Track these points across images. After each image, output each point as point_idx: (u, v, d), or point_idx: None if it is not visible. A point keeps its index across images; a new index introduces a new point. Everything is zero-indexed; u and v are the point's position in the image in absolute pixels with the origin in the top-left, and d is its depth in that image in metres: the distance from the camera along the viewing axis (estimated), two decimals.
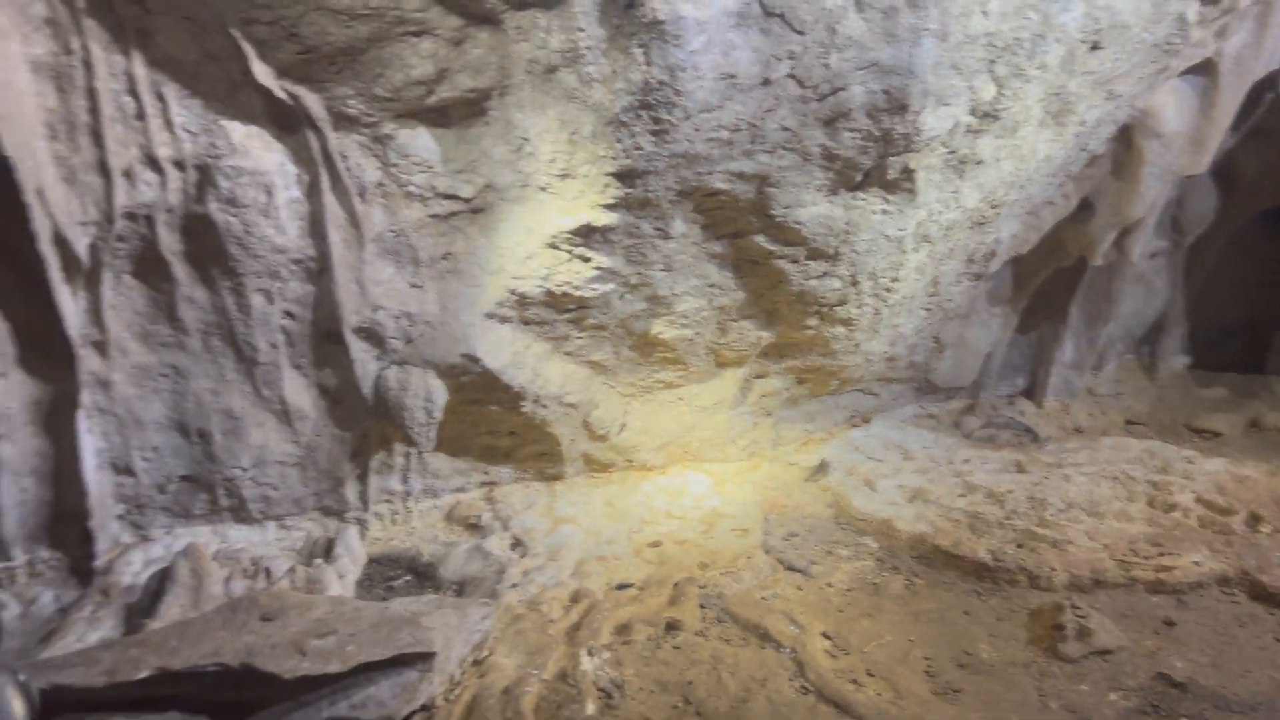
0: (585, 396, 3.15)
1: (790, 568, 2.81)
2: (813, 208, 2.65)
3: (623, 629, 2.47)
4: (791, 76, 2.27)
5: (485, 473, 3.23)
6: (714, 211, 2.65)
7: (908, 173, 2.64)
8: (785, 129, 2.39)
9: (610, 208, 2.53)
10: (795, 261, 2.84)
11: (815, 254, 2.81)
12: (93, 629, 2.44)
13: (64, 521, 2.61)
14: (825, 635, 2.43)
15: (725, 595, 2.64)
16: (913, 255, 2.96)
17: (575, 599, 2.62)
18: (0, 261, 2.25)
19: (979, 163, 2.75)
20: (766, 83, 2.27)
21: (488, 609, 2.46)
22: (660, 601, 2.60)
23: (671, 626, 2.47)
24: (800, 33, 2.21)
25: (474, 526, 3.04)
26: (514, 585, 2.68)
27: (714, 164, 2.44)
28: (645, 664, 2.31)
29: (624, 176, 2.39)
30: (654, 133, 2.27)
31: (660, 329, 3.00)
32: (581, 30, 2.08)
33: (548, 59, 2.19)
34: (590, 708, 2.11)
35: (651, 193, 2.48)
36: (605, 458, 3.36)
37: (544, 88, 2.28)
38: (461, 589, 2.71)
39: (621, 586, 2.69)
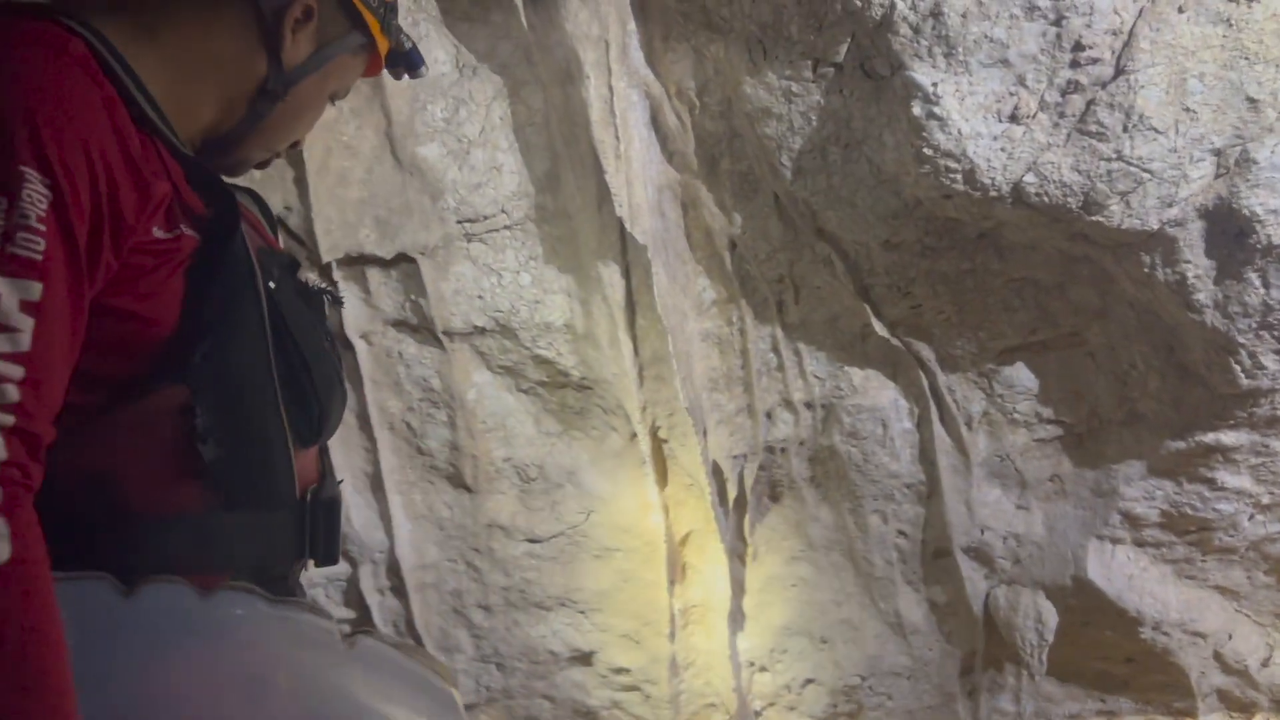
0: (1215, 625, 2.89)
1: None
2: None
3: None
4: None
5: (1101, 700, 3.08)
6: None
7: None
8: None
9: (1233, 427, 2.41)
10: None
11: None
12: None
13: (712, 710, 3.04)
14: None
15: None
16: None
17: None
18: (678, 485, 2.82)
19: None
20: None
21: None
22: None
23: None
24: None
25: None
26: None
27: None
28: None
29: (1245, 396, 2.29)
30: (1278, 352, 2.17)
31: None
32: (1188, 262, 2.11)
33: (1152, 292, 2.23)
34: None
35: (1279, 410, 2.33)
36: (1246, 695, 3.01)
37: (1147, 317, 2.31)
38: None
39: None
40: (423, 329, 2.59)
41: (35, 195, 0.84)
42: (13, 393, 0.82)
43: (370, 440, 2.64)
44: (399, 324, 2.59)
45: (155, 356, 1.00)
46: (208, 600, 0.92)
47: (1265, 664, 2.95)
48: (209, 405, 1.02)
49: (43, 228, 0.84)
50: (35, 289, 0.84)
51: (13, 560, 0.78)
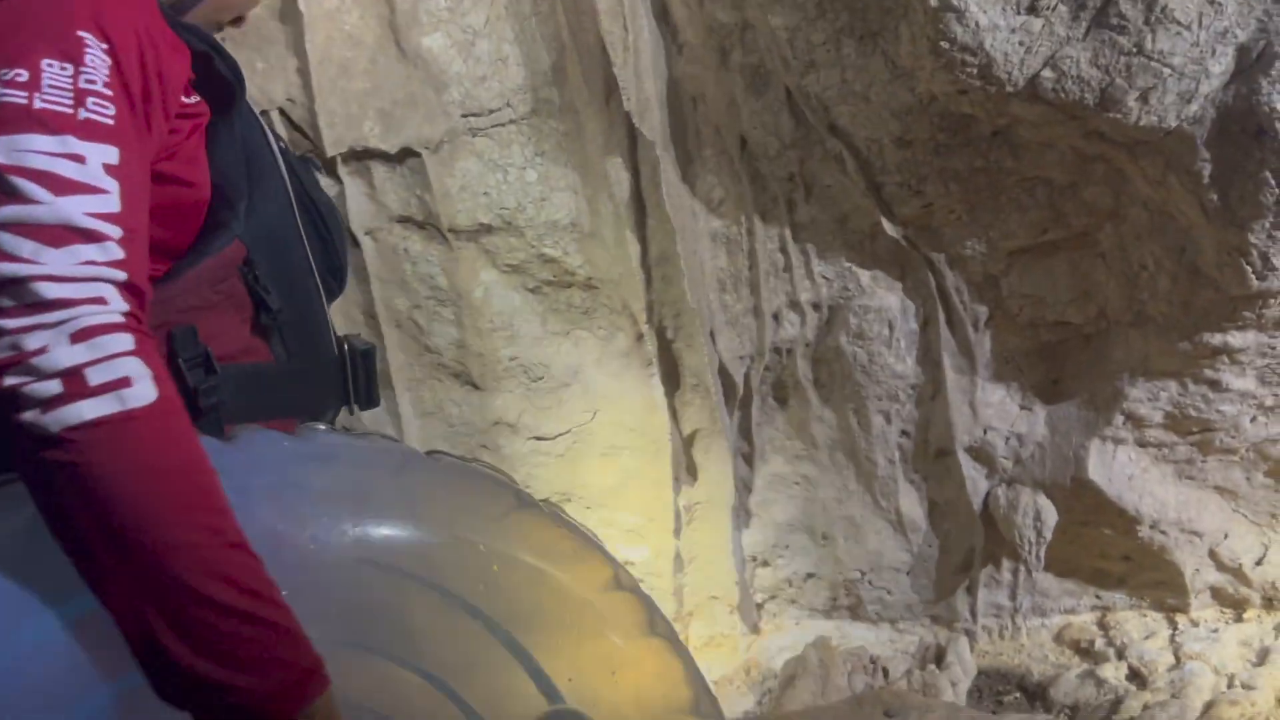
0: (1211, 524, 2.94)
1: None
2: None
3: None
4: None
5: (1097, 596, 3.15)
6: None
7: None
8: None
9: (1240, 328, 2.41)
10: None
11: None
12: (736, 704, 2.88)
13: (715, 603, 3.12)
14: None
15: None
16: None
17: None
18: (685, 385, 2.83)
19: None
20: None
21: None
22: None
23: None
24: None
25: (1085, 651, 2.98)
26: (1132, 718, 2.58)
27: None
28: None
29: (1255, 298, 2.28)
30: None
31: None
32: (1205, 161, 2.07)
33: (1166, 191, 2.20)
34: None
35: None
36: (1238, 593, 3.07)
37: (1160, 218, 2.29)
38: (1074, 714, 2.68)
39: None
40: (428, 225, 2.57)
41: (98, 61, 0.86)
42: (116, 250, 0.84)
43: (378, 337, 2.64)
44: (404, 220, 2.57)
45: (201, 221, 1.04)
46: (298, 438, 0.99)
47: (1260, 562, 3.00)
48: (262, 257, 1.08)
49: (110, 92, 0.86)
50: (114, 153, 0.85)
51: (161, 397, 0.83)
